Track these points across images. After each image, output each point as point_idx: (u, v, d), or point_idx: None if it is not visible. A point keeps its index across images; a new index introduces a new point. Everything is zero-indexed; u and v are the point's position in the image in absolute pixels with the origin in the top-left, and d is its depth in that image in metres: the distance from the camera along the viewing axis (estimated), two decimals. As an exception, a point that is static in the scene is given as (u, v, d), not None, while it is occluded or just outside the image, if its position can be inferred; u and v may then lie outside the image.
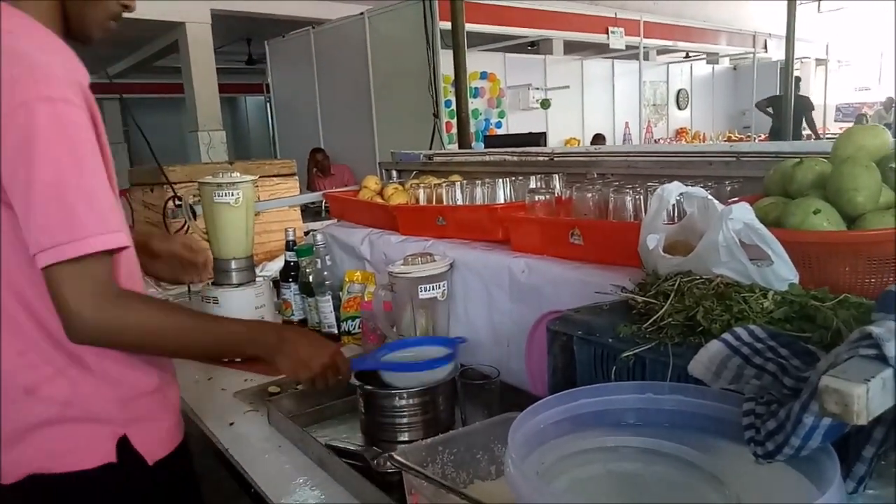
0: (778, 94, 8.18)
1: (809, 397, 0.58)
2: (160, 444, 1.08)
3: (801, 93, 9.38)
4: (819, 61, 12.34)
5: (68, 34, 1.03)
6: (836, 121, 13.21)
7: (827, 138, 9.91)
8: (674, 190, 1.02)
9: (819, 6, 10.12)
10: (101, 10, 1.04)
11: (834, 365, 0.56)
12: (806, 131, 9.22)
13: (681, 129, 10.21)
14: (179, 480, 1.14)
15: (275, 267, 2.35)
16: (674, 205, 1.13)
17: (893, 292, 0.66)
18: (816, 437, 0.59)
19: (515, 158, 2.17)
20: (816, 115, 9.86)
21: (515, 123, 7.16)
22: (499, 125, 7.08)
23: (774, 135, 8.67)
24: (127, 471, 1.03)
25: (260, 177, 1.96)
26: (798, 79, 9.65)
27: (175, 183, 2.36)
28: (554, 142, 7.45)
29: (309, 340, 1.19)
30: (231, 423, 1.42)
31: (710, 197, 1.00)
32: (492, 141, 6.04)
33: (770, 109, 8.26)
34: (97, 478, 1.00)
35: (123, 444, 1.02)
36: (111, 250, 0.93)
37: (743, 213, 0.89)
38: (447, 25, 4.56)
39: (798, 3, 6.97)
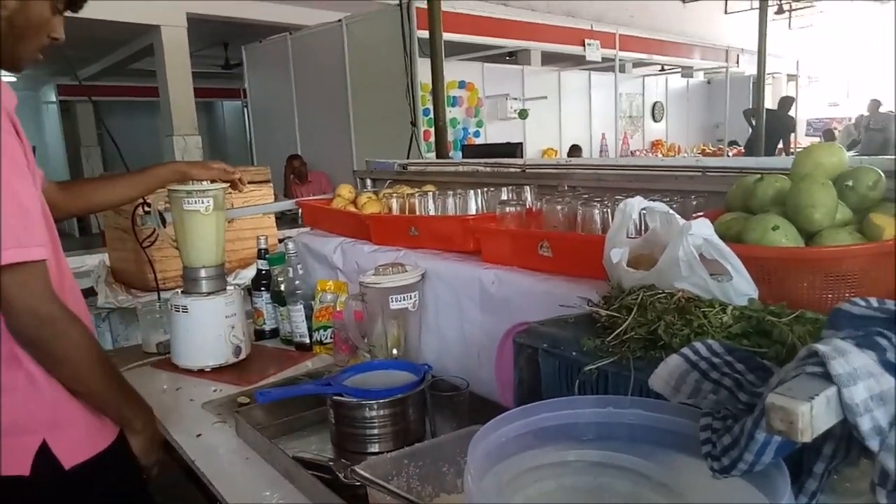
0: (767, 108, 8.25)
1: (761, 414, 0.59)
2: (82, 448, 1.13)
3: (790, 112, 9.53)
4: (790, 76, 12.62)
5: None
6: (807, 135, 13.50)
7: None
8: (636, 204, 1.03)
9: (790, 23, 10.36)
10: (31, 44, 1.11)
11: (782, 382, 0.57)
12: (779, 146, 9.41)
13: (656, 140, 10.36)
14: (105, 484, 1.17)
15: (248, 274, 2.33)
16: (639, 218, 1.14)
17: (842, 310, 0.67)
18: (769, 452, 0.60)
19: (489, 169, 2.18)
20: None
21: (493, 133, 7.19)
22: (477, 134, 7.11)
23: (750, 146, 8.81)
24: (44, 474, 1.09)
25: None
26: (792, 98, 9.81)
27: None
28: (531, 152, 7.51)
29: (158, 436, 1.31)
30: (198, 435, 1.40)
31: (671, 211, 1.01)
32: (470, 150, 6.07)
33: (753, 120, 8.37)
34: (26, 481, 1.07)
35: (43, 450, 1.08)
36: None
37: (702, 228, 0.90)
38: (425, 34, 4.58)
39: (769, 19, 7.15)
